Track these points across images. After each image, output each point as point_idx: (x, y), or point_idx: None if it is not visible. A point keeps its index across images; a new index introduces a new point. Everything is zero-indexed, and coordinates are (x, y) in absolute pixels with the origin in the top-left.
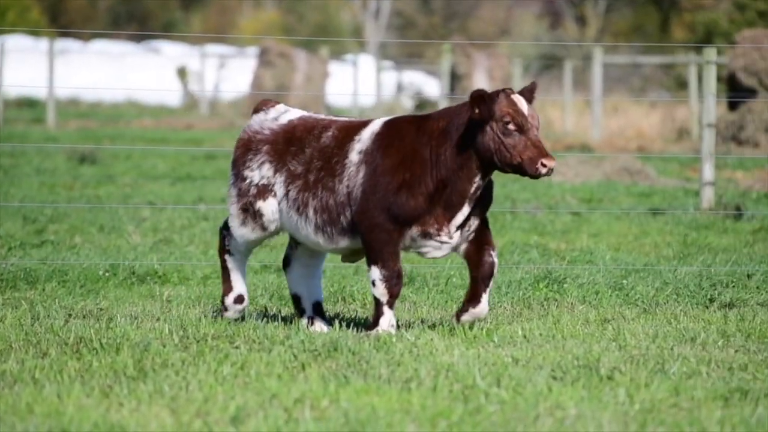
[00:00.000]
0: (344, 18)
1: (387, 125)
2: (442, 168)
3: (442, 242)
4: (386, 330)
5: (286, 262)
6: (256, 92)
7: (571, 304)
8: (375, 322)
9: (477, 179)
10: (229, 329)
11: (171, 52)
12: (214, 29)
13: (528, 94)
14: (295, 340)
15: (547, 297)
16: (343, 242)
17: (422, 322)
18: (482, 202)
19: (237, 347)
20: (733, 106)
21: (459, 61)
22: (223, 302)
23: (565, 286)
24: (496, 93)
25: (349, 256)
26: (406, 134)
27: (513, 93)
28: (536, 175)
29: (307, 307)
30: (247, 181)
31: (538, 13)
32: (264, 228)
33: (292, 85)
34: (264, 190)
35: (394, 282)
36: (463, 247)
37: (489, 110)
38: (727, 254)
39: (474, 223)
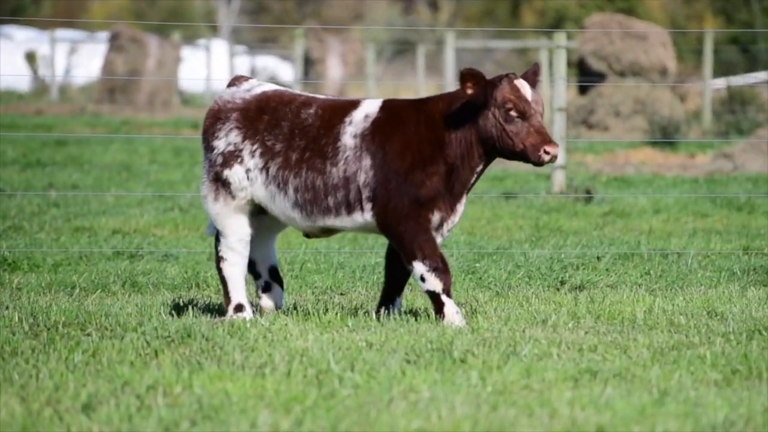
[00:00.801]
0: (196, 2)
1: (384, 109)
2: (449, 151)
3: (442, 235)
4: (456, 320)
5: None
6: (107, 77)
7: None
8: (441, 314)
9: (479, 168)
10: (81, 316)
11: (20, 37)
12: (63, 14)
13: (532, 77)
14: (147, 326)
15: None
16: (322, 221)
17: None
18: None
19: (88, 334)
20: (583, 90)
21: (312, 46)
22: (225, 312)
23: None
24: (499, 78)
25: (321, 234)
26: (407, 117)
27: (516, 78)
28: (539, 163)
29: (263, 272)
30: (215, 150)
31: None
32: (233, 196)
33: (145, 71)
34: (230, 157)
35: (442, 269)
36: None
37: (483, 90)
38: (577, 237)
39: None
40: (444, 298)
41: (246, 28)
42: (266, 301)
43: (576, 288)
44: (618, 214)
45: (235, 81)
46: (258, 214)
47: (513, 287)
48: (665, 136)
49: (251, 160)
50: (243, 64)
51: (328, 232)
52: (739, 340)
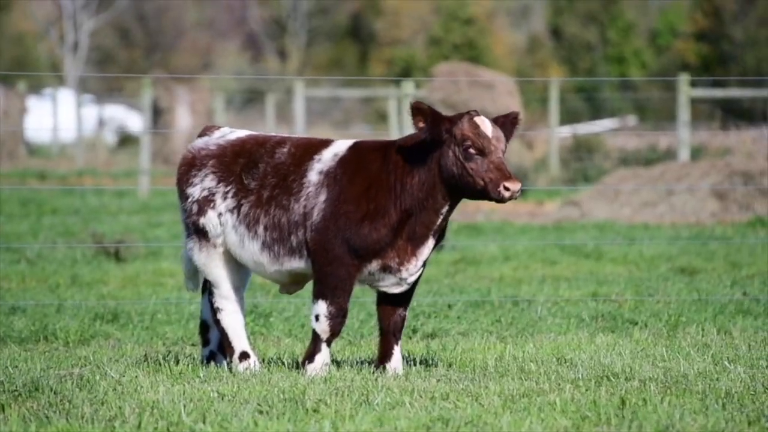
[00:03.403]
0: (42, 52)
1: (353, 150)
2: (407, 197)
3: (401, 279)
4: (320, 369)
5: (204, 288)
6: None
7: (277, 337)
8: (310, 358)
9: (444, 210)
10: None
11: None
12: None
13: (510, 125)
14: None
15: (254, 331)
16: (289, 264)
17: (126, 357)
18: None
19: None
20: None
21: (160, 95)
22: (229, 366)
23: (271, 319)
24: (459, 115)
25: (289, 285)
26: (372, 161)
27: (477, 115)
28: (500, 199)
29: (213, 340)
30: (189, 199)
31: (239, 46)
32: (213, 244)
33: None
34: (204, 203)
35: (339, 320)
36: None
37: (436, 125)
38: (428, 285)
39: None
40: (323, 346)
41: (93, 77)
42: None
43: (428, 336)
44: (469, 261)
45: (206, 131)
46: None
47: (365, 336)
48: None
49: (223, 203)
50: (90, 113)
51: (298, 280)
52: (588, 387)
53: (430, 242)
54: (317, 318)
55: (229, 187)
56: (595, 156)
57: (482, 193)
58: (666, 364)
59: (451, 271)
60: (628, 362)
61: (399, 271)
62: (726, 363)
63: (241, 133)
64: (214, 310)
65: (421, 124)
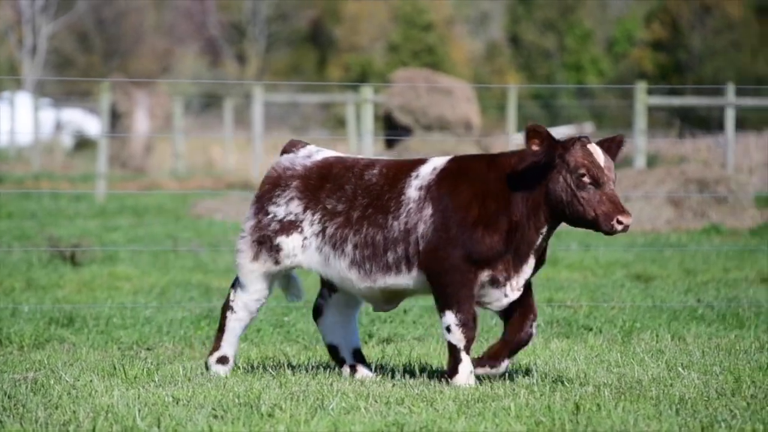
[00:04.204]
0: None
1: (453, 163)
2: (514, 209)
3: (506, 294)
4: (467, 380)
5: (318, 312)
6: None
7: None
8: (454, 370)
9: (544, 230)
10: None
11: None
12: None
13: (615, 148)
14: None
15: (209, 335)
16: (381, 280)
17: (81, 362)
18: (540, 259)
19: None
20: (390, 144)
21: (119, 99)
22: (206, 360)
23: None
24: (571, 141)
25: (383, 303)
26: (476, 170)
27: (589, 142)
28: (611, 232)
29: (347, 356)
30: (270, 215)
31: (198, 51)
32: (277, 262)
33: None
34: (289, 226)
35: (471, 326)
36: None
37: (549, 149)
38: None
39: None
40: (463, 354)
41: (51, 81)
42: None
43: (384, 341)
44: None
45: (291, 146)
46: (335, 292)
47: (320, 341)
48: None
49: (309, 228)
50: (48, 117)
51: (390, 298)
52: (543, 392)
53: (531, 261)
54: (448, 329)
55: (315, 215)
56: None
57: (591, 223)
58: (620, 369)
59: None
60: (582, 368)
61: (504, 285)
62: (680, 369)
63: (328, 153)
64: (228, 306)
65: (536, 147)
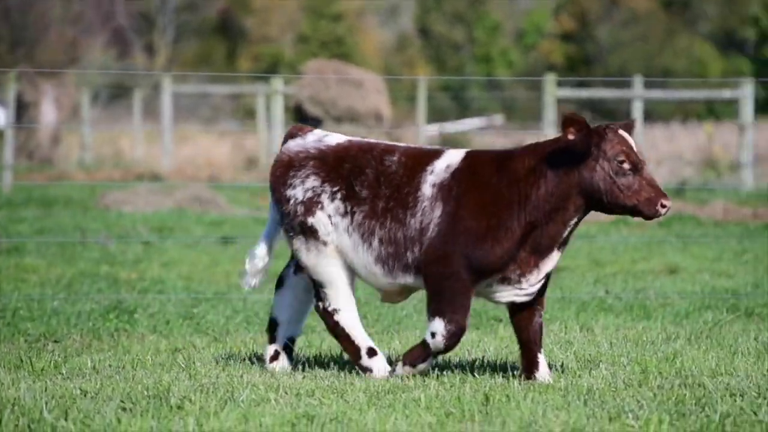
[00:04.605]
0: None
1: (466, 161)
2: (531, 210)
3: (521, 290)
4: (412, 372)
5: (280, 282)
6: None
7: (142, 334)
8: (413, 363)
9: (573, 222)
10: None
11: None
12: None
13: (629, 130)
14: None
15: (118, 328)
16: (402, 279)
17: None
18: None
19: None
20: None
21: (25, 90)
22: (361, 369)
23: (136, 316)
24: (603, 128)
25: (395, 295)
26: (489, 173)
27: (618, 129)
28: (655, 216)
29: (280, 338)
30: (291, 201)
31: (106, 42)
32: (325, 242)
33: None
34: (311, 203)
35: (456, 339)
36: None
37: (586, 138)
38: None
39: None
40: (429, 360)
41: None
42: (269, 367)
43: None
44: None
45: (296, 131)
46: (301, 271)
47: (231, 332)
48: None
49: (331, 205)
50: None
51: (404, 292)
52: (453, 384)
53: (555, 254)
54: (433, 335)
55: (336, 189)
56: None
57: (632, 210)
58: None
59: None
60: (492, 359)
61: (519, 282)
62: (588, 360)
63: (339, 137)
64: (328, 313)
65: (572, 136)
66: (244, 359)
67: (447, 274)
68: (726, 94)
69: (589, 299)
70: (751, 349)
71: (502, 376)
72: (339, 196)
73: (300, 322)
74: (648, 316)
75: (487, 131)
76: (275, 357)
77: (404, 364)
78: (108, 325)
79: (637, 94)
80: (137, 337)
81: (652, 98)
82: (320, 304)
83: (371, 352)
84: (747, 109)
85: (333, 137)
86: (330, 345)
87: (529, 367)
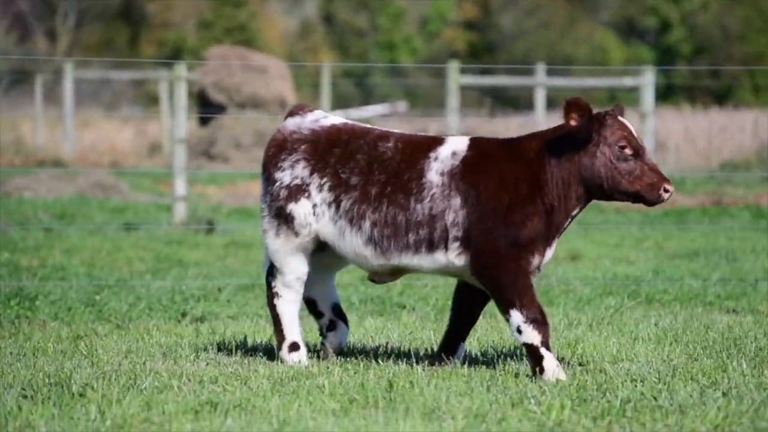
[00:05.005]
0: None
1: (474, 147)
2: (547, 192)
3: (533, 278)
4: (558, 374)
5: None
6: None
7: (43, 321)
8: (540, 370)
9: (575, 212)
10: None
11: None
12: None
13: (620, 115)
14: None
15: (19, 315)
16: (397, 259)
17: None
18: None
19: None
20: (204, 121)
21: None
22: (278, 353)
23: (37, 303)
24: (603, 114)
25: (385, 276)
26: (500, 157)
27: (617, 114)
28: (657, 202)
29: (325, 310)
30: (277, 183)
31: (6, 27)
32: (296, 233)
33: None
34: (297, 191)
35: (541, 320)
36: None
37: (588, 124)
38: (199, 268)
39: None
40: (543, 351)
41: None
42: (331, 340)
43: (197, 320)
44: (239, 245)
45: (298, 109)
46: (317, 251)
47: (134, 319)
48: None
49: (319, 195)
50: None
51: (396, 273)
52: (357, 370)
53: (554, 245)
54: (519, 330)
55: (324, 180)
56: None
57: (634, 195)
58: (433, 347)
59: (221, 254)
60: (396, 345)
61: (538, 270)
62: (491, 346)
63: (337, 119)
64: (272, 294)
65: (574, 123)
66: (147, 347)
67: (498, 262)
68: (627, 81)
69: None
70: (652, 335)
71: (406, 363)
72: (327, 186)
73: (332, 289)
74: (550, 303)
75: (391, 118)
76: (332, 326)
77: (542, 373)
78: (9, 312)
79: (540, 81)
80: (39, 324)
81: (554, 86)
82: (271, 279)
83: (293, 347)
84: (648, 96)
85: (330, 119)
86: (234, 332)
87: (448, 349)
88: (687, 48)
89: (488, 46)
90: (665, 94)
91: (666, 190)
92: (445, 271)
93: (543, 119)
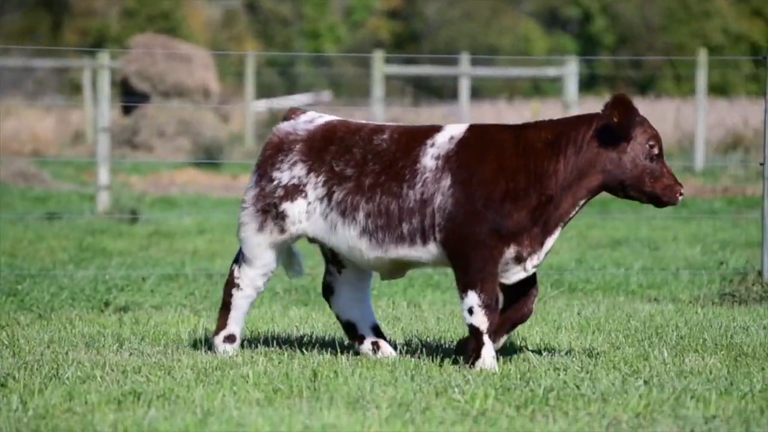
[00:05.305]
0: None
1: (472, 133)
2: (548, 182)
3: (526, 269)
4: (490, 364)
5: (329, 291)
6: None
7: None
8: (477, 355)
9: (582, 202)
10: None
11: None
12: None
13: None
14: None
15: None
16: (393, 251)
17: None
18: None
19: None
20: (127, 110)
21: None
22: (211, 339)
23: None
24: (639, 112)
25: (389, 273)
26: (501, 143)
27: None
28: (671, 203)
29: (366, 333)
30: (274, 182)
31: None
32: (283, 230)
33: None
34: (293, 191)
35: (494, 308)
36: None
37: (629, 122)
38: (122, 258)
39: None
40: (485, 338)
41: None
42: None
43: (121, 309)
44: (163, 234)
45: (291, 114)
46: (344, 268)
47: (56, 309)
48: (209, 157)
49: (314, 192)
50: None
51: (398, 269)
52: (281, 360)
53: (557, 233)
54: (471, 311)
55: (320, 176)
56: None
57: (651, 195)
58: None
59: (145, 244)
60: (320, 335)
61: (526, 260)
62: (415, 336)
63: (330, 117)
64: (233, 284)
65: (617, 119)
66: (69, 337)
67: (473, 244)
68: (551, 71)
69: (417, 275)
70: (575, 324)
71: (330, 352)
72: (322, 181)
73: (369, 309)
74: None
75: (316, 107)
76: (376, 348)
77: (474, 364)
78: None
79: (464, 71)
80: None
81: (478, 75)
82: (236, 268)
83: (230, 338)
84: (571, 86)
85: (324, 118)
86: (157, 322)
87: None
88: (609, 38)
89: (413, 36)
90: (588, 84)
91: (681, 194)
92: (440, 263)
93: (467, 109)
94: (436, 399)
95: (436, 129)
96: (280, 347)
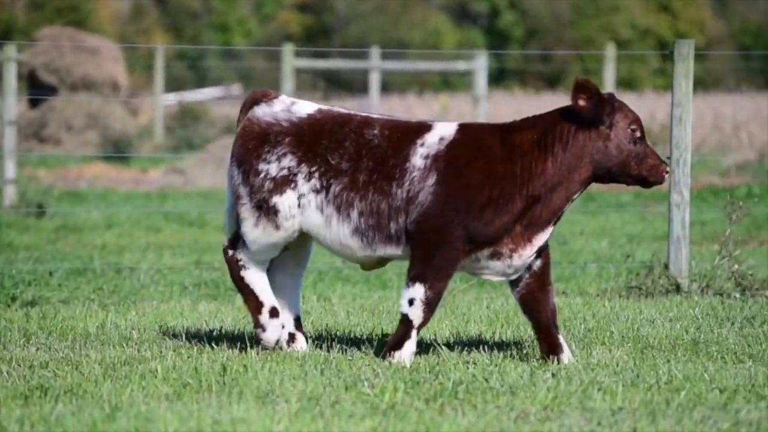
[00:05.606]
0: None
1: (463, 132)
2: (536, 183)
3: (511, 266)
4: (407, 358)
5: (268, 266)
6: None
7: None
8: (398, 345)
9: (576, 195)
10: None
11: None
12: None
13: None
14: None
15: None
16: (381, 251)
17: None
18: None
19: None
20: (34, 103)
21: None
22: (257, 324)
23: None
24: (609, 96)
25: (375, 266)
26: (491, 145)
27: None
28: (658, 183)
29: (288, 322)
30: (262, 174)
31: None
32: (277, 226)
33: None
34: (282, 183)
35: (434, 307)
36: (524, 281)
37: (597, 105)
38: (29, 252)
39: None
40: (413, 333)
41: None
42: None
43: (27, 304)
44: (71, 228)
45: (261, 97)
46: (286, 249)
47: None
48: (117, 151)
49: (306, 184)
50: None
51: (382, 263)
52: (191, 354)
53: (550, 228)
54: (411, 302)
55: (313, 168)
56: (200, 124)
57: (639, 177)
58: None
59: (52, 238)
60: (230, 329)
61: (510, 258)
62: (325, 329)
63: (308, 106)
64: (237, 267)
65: (583, 103)
66: None
67: (441, 242)
68: (460, 66)
69: (327, 269)
70: (483, 317)
71: (240, 347)
72: (316, 174)
73: (297, 298)
74: (384, 286)
75: (226, 101)
76: (292, 339)
77: (390, 351)
78: None
79: (375, 65)
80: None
81: (388, 69)
82: (234, 252)
83: (273, 312)
84: (481, 80)
85: (300, 105)
86: (65, 316)
87: (553, 350)
88: (519, 32)
89: (323, 30)
90: (497, 78)
91: (667, 171)
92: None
93: (377, 102)
94: (345, 393)
95: (426, 127)
96: (189, 342)
